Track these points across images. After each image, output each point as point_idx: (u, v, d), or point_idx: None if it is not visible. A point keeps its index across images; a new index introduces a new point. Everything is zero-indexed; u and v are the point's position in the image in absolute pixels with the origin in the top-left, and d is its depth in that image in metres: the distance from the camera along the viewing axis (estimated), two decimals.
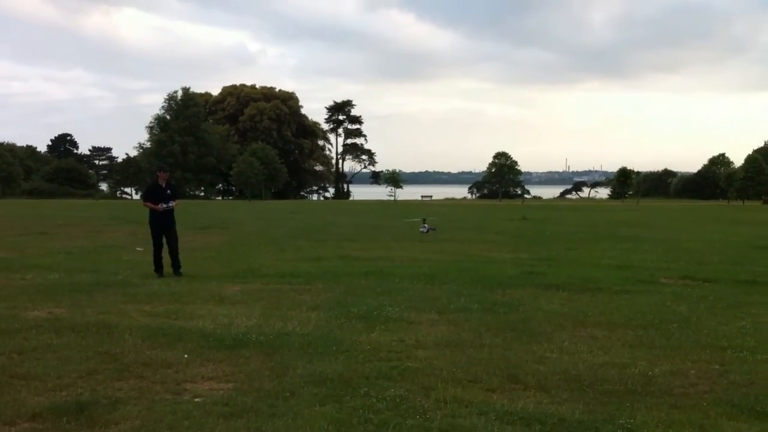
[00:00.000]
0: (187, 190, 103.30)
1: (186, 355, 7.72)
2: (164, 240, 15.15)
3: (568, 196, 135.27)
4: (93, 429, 5.49)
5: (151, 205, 15.08)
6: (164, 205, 15.03)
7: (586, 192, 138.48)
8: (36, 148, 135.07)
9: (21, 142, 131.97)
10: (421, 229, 18.00)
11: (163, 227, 15.14)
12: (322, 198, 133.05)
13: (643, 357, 7.87)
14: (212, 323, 9.44)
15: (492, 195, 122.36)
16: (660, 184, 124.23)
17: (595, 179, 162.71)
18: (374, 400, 6.22)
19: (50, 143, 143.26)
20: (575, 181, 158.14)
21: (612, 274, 15.45)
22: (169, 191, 15.30)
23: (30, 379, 6.83)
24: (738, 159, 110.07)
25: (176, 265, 15.13)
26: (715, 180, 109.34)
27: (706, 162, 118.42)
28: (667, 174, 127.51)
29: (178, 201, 15.57)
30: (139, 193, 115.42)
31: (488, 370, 7.25)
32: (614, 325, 9.69)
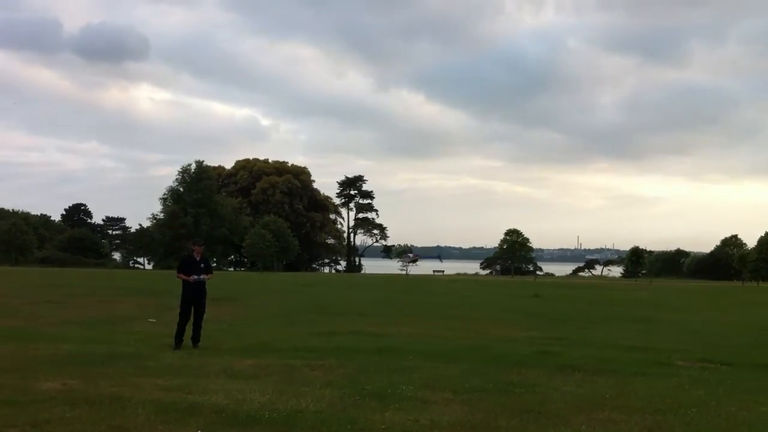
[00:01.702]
0: None
1: (199, 431, 7.64)
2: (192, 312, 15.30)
3: (581, 273, 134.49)
4: None
5: (184, 277, 15.33)
6: (196, 278, 15.24)
7: (598, 270, 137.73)
8: (50, 217, 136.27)
9: (35, 211, 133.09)
10: (401, 260, 14.47)
11: (193, 299, 15.32)
12: (333, 271, 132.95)
13: None
14: (225, 398, 9.37)
15: (504, 271, 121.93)
16: (673, 264, 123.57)
17: (607, 257, 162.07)
18: None
19: (64, 212, 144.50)
20: (587, 259, 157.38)
21: (627, 355, 15.29)
22: (202, 265, 15.59)
23: None
24: (751, 240, 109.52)
25: (196, 337, 15.26)
26: (728, 261, 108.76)
27: (718, 243, 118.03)
28: (679, 254, 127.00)
29: (211, 275, 15.78)
30: (152, 264, 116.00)
31: None
32: (632, 408, 9.54)
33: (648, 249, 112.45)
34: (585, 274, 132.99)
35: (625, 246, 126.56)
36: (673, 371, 13.18)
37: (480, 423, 8.45)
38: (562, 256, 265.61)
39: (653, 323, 24.47)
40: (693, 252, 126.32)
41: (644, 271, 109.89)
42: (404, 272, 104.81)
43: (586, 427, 8.32)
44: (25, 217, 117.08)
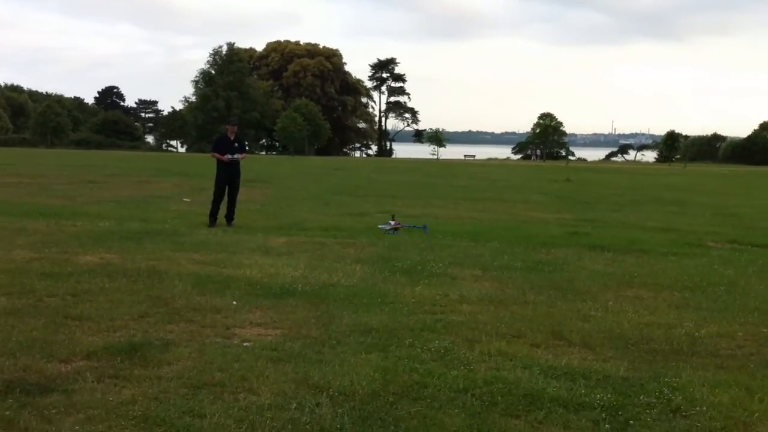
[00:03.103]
0: None
1: (234, 302, 7.88)
2: (226, 191, 15.53)
3: (614, 158, 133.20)
4: (146, 368, 5.64)
5: (218, 156, 15.50)
6: (230, 156, 15.35)
7: (632, 155, 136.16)
8: (83, 99, 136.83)
9: (69, 94, 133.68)
10: (381, 226, 13.12)
11: (227, 178, 15.51)
12: (364, 155, 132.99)
13: (689, 318, 7.82)
14: (259, 272, 9.59)
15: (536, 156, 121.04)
16: (708, 149, 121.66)
17: (641, 142, 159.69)
18: (419, 350, 6.29)
19: (97, 95, 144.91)
20: (621, 144, 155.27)
21: (658, 236, 15.30)
22: (236, 144, 15.70)
23: (84, 320, 7.02)
24: None
25: (230, 216, 15.55)
26: (765, 145, 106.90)
27: (756, 127, 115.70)
28: (716, 138, 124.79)
29: (244, 155, 15.90)
30: (185, 147, 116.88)
31: (532, 326, 7.27)
32: (660, 286, 9.62)
33: (684, 134, 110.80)
34: (618, 159, 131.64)
35: (661, 131, 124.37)
36: (704, 252, 13.20)
37: (508, 298, 8.59)
38: (595, 141, 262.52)
39: (685, 206, 24.33)
40: (730, 137, 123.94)
41: (678, 156, 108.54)
42: (435, 157, 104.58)
43: (613, 303, 8.43)
44: (59, 99, 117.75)
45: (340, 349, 6.29)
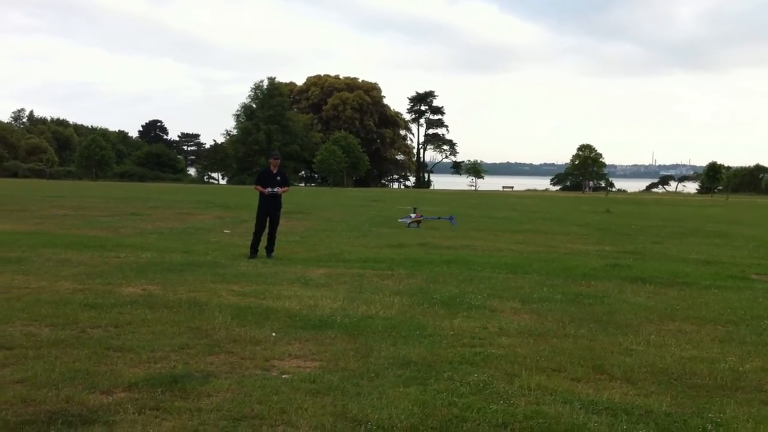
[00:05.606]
0: None
1: (274, 334, 7.93)
2: (267, 224, 15.71)
3: (655, 189, 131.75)
4: (187, 400, 5.69)
5: (260, 189, 15.77)
6: (270, 190, 15.62)
7: (673, 186, 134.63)
8: (127, 133, 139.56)
9: (113, 128, 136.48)
10: (402, 220, 12.47)
11: (268, 210, 15.73)
12: (402, 187, 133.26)
13: (733, 352, 7.69)
14: (298, 304, 9.65)
15: (575, 187, 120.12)
16: (751, 180, 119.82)
17: (682, 173, 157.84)
18: (458, 384, 6.26)
19: (141, 129, 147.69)
20: (662, 175, 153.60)
21: (700, 269, 15.07)
22: (279, 177, 15.95)
23: (126, 351, 7.11)
24: None
25: (270, 247, 15.71)
26: None
27: None
28: (758, 169, 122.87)
29: (286, 188, 16.14)
30: (226, 179, 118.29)
31: (573, 359, 7.20)
32: (703, 319, 9.47)
33: (726, 165, 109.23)
34: (659, 190, 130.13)
35: (702, 162, 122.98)
36: (747, 284, 12.97)
37: (548, 331, 8.52)
38: (635, 172, 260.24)
39: (728, 238, 23.92)
40: None
41: (720, 187, 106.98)
42: (473, 188, 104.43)
43: (655, 337, 8.31)
44: (104, 133, 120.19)
45: (379, 381, 6.28)
